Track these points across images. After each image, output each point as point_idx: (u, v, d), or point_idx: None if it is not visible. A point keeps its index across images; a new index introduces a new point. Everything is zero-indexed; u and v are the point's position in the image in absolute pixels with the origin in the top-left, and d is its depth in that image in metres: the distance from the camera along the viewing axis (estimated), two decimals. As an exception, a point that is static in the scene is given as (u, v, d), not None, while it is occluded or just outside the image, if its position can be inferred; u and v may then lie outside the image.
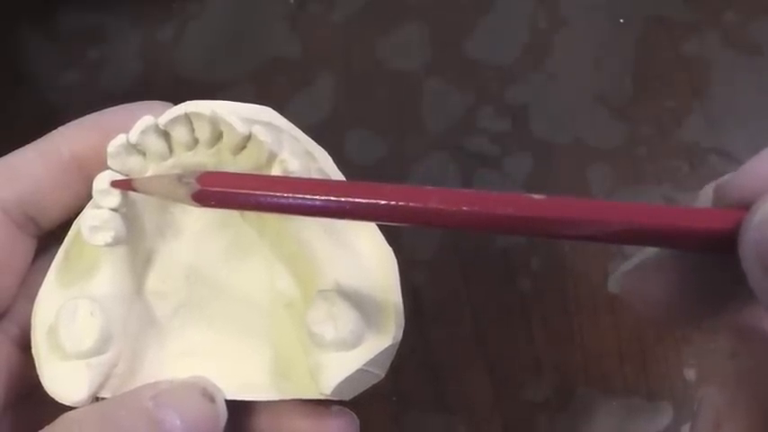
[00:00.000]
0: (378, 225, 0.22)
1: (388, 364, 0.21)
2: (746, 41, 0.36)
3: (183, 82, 0.37)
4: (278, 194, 0.17)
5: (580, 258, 0.33)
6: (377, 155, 0.35)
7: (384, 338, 0.20)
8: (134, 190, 0.19)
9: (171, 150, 0.20)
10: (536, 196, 0.16)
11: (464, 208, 0.16)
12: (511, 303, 0.33)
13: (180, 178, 0.18)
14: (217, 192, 0.18)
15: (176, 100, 0.21)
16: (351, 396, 0.20)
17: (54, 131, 0.21)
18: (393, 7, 0.38)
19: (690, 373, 0.31)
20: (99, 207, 0.20)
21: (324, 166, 0.21)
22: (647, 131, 0.35)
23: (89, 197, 0.20)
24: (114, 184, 0.20)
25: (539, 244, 0.33)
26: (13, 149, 0.21)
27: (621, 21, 0.37)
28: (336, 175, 0.21)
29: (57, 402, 0.20)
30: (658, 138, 0.35)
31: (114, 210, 0.20)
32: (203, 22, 0.38)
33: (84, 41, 0.38)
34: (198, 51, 0.38)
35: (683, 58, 0.36)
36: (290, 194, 0.17)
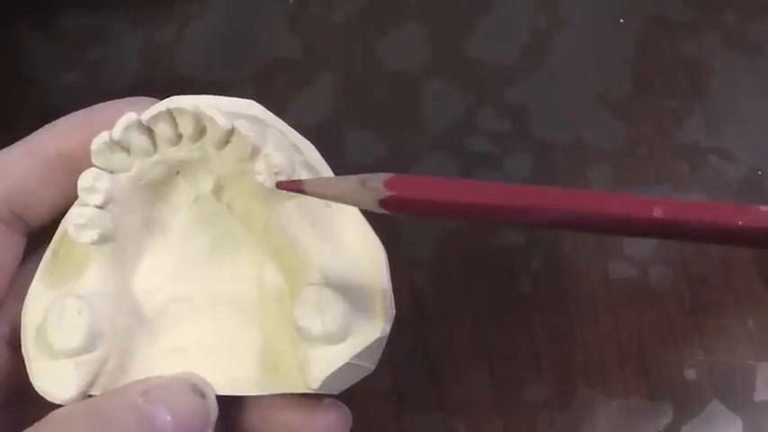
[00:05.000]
0: (367, 218, 0.22)
1: (377, 357, 0.21)
2: (746, 41, 0.36)
3: (183, 82, 0.37)
4: (471, 202, 0.17)
5: (580, 258, 0.33)
6: (377, 155, 0.35)
7: (372, 331, 0.20)
8: (304, 192, 0.18)
9: (155, 146, 0.20)
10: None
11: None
12: (511, 303, 0.33)
13: (364, 182, 0.17)
14: (407, 198, 0.17)
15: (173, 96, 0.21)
16: (340, 390, 0.20)
17: (41, 129, 0.22)
18: (393, 7, 0.38)
19: (690, 373, 0.31)
20: (84, 205, 0.20)
21: (310, 158, 0.21)
22: (648, 131, 0.35)
23: (77, 194, 0.20)
24: (280, 185, 0.19)
25: (539, 244, 0.33)
26: (11, 149, 0.21)
27: (621, 21, 0.37)
28: (323, 167, 0.21)
29: (48, 401, 0.20)
30: (658, 138, 0.35)
31: (100, 207, 0.20)
32: (203, 22, 0.38)
33: (85, 42, 0.38)
34: (198, 51, 0.38)
35: (683, 58, 0.36)
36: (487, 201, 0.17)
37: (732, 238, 0.17)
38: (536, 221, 0.17)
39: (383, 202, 0.17)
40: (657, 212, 0.16)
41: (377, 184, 0.17)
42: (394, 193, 0.17)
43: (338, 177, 0.19)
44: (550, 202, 0.17)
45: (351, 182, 0.17)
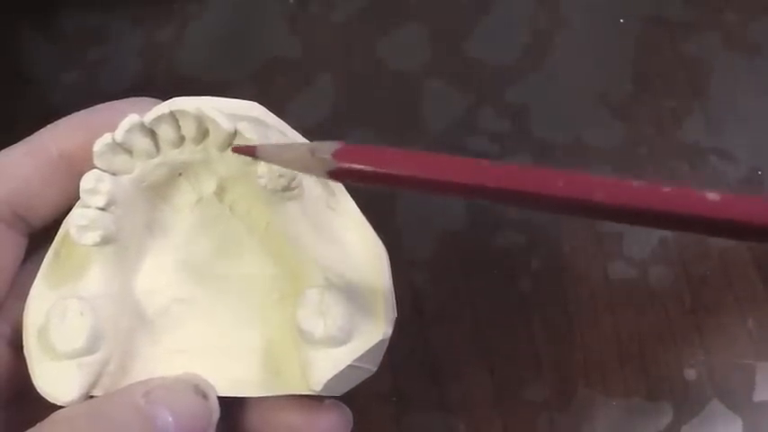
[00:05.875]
0: (368, 218, 0.22)
1: (379, 359, 0.21)
2: (746, 41, 0.36)
3: (183, 82, 0.37)
4: (419, 174, 0.16)
5: (580, 258, 0.33)
6: (377, 155, 0.35)
7: (374, 334, 0.20)
8: (256, 158, 0.18)
9: (157, 148, 0.20)
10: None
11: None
12: (511, 303, 0.33)
13: (313, 152, 0.17)
14: (356, 170, 0.16)
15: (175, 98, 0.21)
16: (342, 392, 0.20)
17: (42, 129, 0.22)
18: (393, 7, 0.38)
19: (690, 373, 0.31)
20: (86, 206, 0.20)
21: None
22: (647, 131, 0.35)
23: (78, 195, 0.20)
24: (236, 149, 0.19)
25: (539, 244, 0.33)
26: (12, 149, 0.21)
27: (621, 21, 0.37)
28: None
29: (50, 402, 0.20)
30: (658, 138, 0.35)
31: (102, 209, 0.20)
32: (203, 22, 0.38)
33: (85, 42, 0.38)
34: (198, 51, 0.38)
35: (683, 58, 0.36)
36: (431, 174, 0.16)
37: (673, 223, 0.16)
38: (484, 197, 0.16)
39: (331, 173, 0.17)
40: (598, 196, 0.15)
41: (326, 154, 0.16)
42: (342, 165, 0.16)
43: (290, 144, 0.19)
44: (493, 178, 0.16)
45: (301, 150, 0.17)
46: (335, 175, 0.17)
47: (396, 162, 0.16)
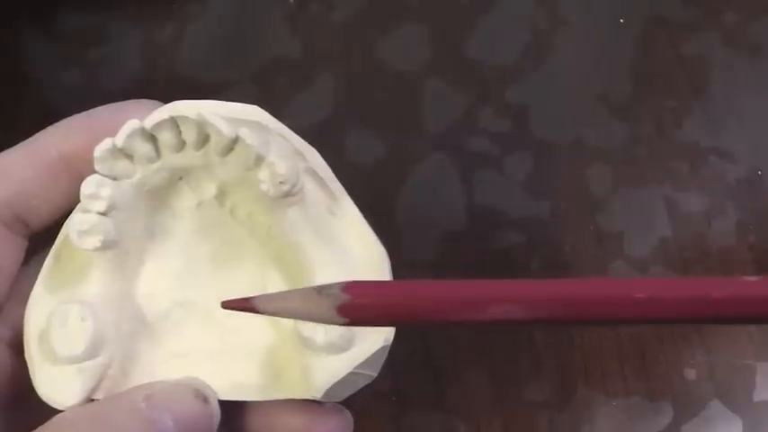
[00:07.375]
0: (369, 222, 0.22)
1: (380, 365, 0.21)
2: (746, 41, 0.36)
3: (183, 82, 0.37)
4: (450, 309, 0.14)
5: (580, 258, 0.33)
6: (377, 155, 0.35)
7: (375, 340, 0.20)
8: (255, 312, 0.16)
9: (158, 153, 0.20)
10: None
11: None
12: (511, 303, 0.33)
13: (320, 290, 0.15)
14: (371, 304, 0.15)
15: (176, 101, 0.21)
16: (343, 397, 0.20)
17: (42, 131, 0.21)
18: (393, 7, 0.38)
19: (690, 373, 0.31)
20: (87, 211, 0.20)
21: (313, 164, 0.21)
22: (647, 131, 0.35)
23: (79, 197, 0.20)
24: (226, 305, 0.16)
25: (539, 244, 0.33)
26: (11, 150, 0.21)
27: (621, 21, 0.37)
28: (326, 173, 0.21)
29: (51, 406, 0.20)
30: (658, 138, 0.35)
31: (103, 214, 0.20)
32: (203, 22, 0.38)
33: (85, 41, 0.38)
34: (198, 51, 0.38)
35: (683, 58, 0.36)
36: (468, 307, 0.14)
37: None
38: (525, 322, 0.15)
39: (341, 309, 0.15)
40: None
41: (334, 290, 0.15)
42: (353, 298, 0.15)
43: (293, 290, 0.17)
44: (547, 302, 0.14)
45: (306, 291, 0.15)
46: (347, 310, 0.15)
47: (415, 295, 0.15)
